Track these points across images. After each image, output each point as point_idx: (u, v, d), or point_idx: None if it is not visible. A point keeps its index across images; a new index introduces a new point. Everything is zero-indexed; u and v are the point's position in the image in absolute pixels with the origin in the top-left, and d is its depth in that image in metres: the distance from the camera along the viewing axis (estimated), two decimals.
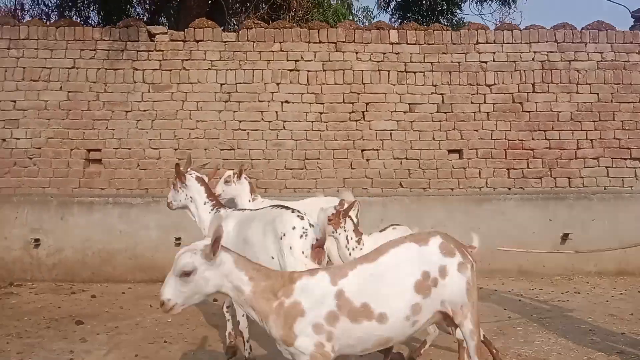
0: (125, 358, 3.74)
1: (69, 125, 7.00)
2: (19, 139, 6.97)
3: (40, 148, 6.96)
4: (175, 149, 7.02)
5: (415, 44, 7.24)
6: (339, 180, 7.02)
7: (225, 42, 7.16)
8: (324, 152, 7.05)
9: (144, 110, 7.04)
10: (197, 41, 7.14)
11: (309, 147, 7.05)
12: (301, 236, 3.10)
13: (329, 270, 2.51)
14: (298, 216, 3.20)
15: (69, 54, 7.08)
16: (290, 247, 3.07)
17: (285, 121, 7.08)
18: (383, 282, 2.40)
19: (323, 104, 7.11)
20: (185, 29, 7.22)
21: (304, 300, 2.35)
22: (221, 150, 7.03)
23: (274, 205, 3.56)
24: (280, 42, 7.18)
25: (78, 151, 6.99)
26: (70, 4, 11.77)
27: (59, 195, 6.78)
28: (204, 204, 3.81)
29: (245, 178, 4.92)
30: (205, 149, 7.02)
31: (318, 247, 3.13)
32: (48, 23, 7.36)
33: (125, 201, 6.60)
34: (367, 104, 7.13)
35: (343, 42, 7.20)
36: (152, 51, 7.12)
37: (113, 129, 7.01)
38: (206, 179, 4.14)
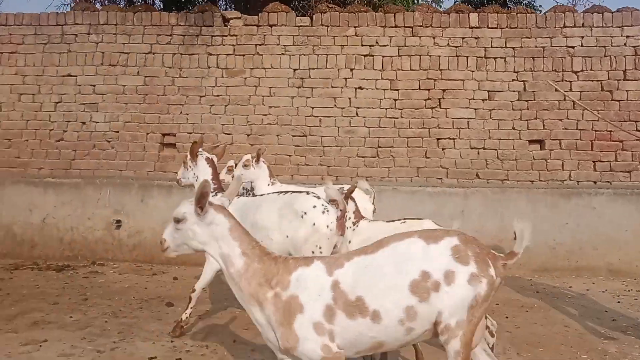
0: (224, 343, 3.74)
1: (145, 110, 7.12)
2: (97, 122, 7.15)
3: (118, 132, 7.12)
4: (248, 135, 7.01)
5: (496, 27, 6.89)
6: (413, 169, 6.82)
7: (299, 26, 7.06)
8: (397, 140, 6.86)
9: (218, 96, 7.06)
10: (271, 26, 7.07)
11: (383, 134, 6.88)
12: (323, 212, 3.27)
13: (324, 259, 2.37)
14: (314, 196, 3.38)
15: (146, 39, 7.17)
16: (314, 224, 3.23)
17: (358, 108, 6.93)
18: (379, 276, 2.21)
19: (398, 90, 6.90)
20: (259, 14, 7.17)
21: (301, 293, 2.24)
22: (293, 136, 6.96)
23: (282, 192, 3.70)
24: (354, 27, 7.01)
25: (154, 135, 7.10)
26: None
27: (139, 178, 6.92)
28: None
29: (263, 162, 4.92)
30: (277, 135, 6.98)
31: (341, 219, 3.30)
32: (126, 8, 7.46)
33: None
34: (443, 90, 6.87)
35: (420, 26, 6.95)
36: (226, 36, 7.11)
37: (187, 114, 7.08)
38: (216, 160, 4.20)
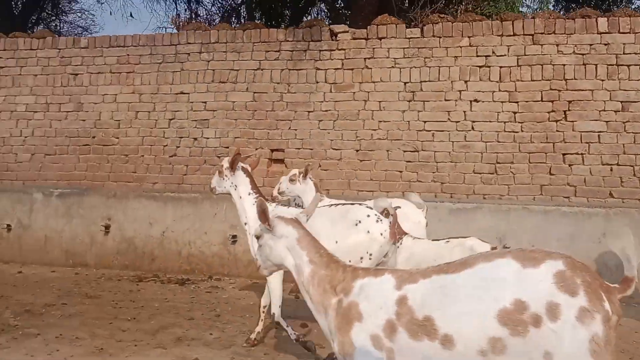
0: None
1: (254, 126, 7.17)
2: (208, 138, 7.28)
3: (227, 147, 7.20)
4: (357, 150, 6.85)
5: (629, 32, 6.30)
6: (535, 187, 6.34)
7: (409, 38, 6.83)
8: (518, 155, 6.41)
9: (326, 111, 6.97)
10: (380, 39, 6.90)
11: (501, 149, 6.46)
12: (377, 221, 3.41)
13: (397, 273, 2.20)
14: (367, 207, 3.55)
15: (254, 56, 7.24)
16: (368, 231, 3.36)
17: (474, 121, 6.56)
18: (456, 298, 1.94)
19: (517, 102, 6.47)
20: (368, 27, 7.02)
21: (362, 301, 2.12)
22: (404, 151, 6.72)
23: (336, 204, 3.83)
24: (469, 37, 6.67)
25: (262, 151, 7.12)
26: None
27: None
28: (249, 194, 3.96)
29: (310, 178, 4.89)
30: (388, 151, 6.76)
31: (392, 228, 3.42)
32: (235, 27, 7.60)
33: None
34: (569, 102, 6.35)
35: (541, 33, 6.49)
36: (334, 50, 7.03)
37: (295, 129, 7.04)
38: (249, 169, 4.26)
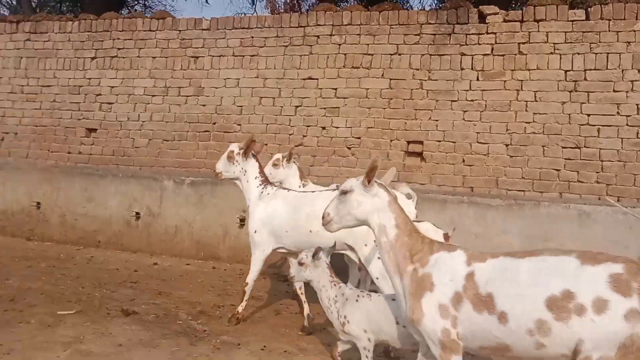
0: None
1: (390, 115, 6.65)
2: (338, 127, 6.83)
3: (359, 138, 6.73)
4: (507, 145, 6.23)
5: None
6: None
7: (572, 21, 6.11)
8: None
9: (472, 100, 6.37)
10: (538, 21, 6.21)
11: None
12: None
13: (469, 251, 2.47)
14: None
15: (392, 39, 6.70)
16: None
17: None
18: (516, 281, 2.21)
19: None
20: (523, 8, 6.35)
21: (436, 274, 2.40)
22: (563, 148, 6.05)
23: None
24: None
25: (398, 142, 6.61)
26: None
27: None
28: (255, 178, 4.05)
29: (294, 162, 4.86)
30: (543, 146, 6.11)
31: None
32: (370, 8, 7.05)
33: (482, 202, 5.75)
34: None
35: None
36: (483, 34, 6.39)
37: (437, 120, 6.48)
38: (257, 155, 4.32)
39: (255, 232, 3.94)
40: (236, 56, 7.33)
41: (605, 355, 1.97)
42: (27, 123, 8.26)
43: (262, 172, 4.16)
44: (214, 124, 7.39)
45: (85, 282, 4.97)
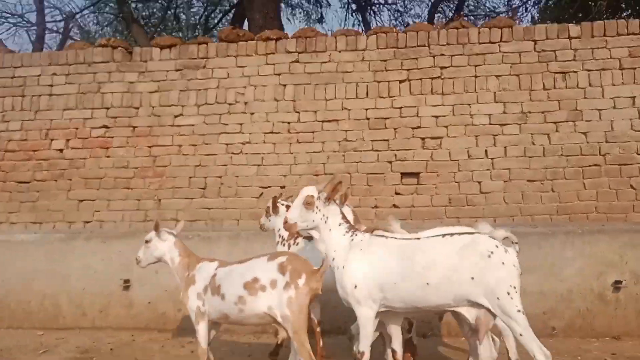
0: None
1: None
2: None
3: None
4: None
5: None
6: None
7: None
8: None
9: None
10: None
11: None
12: (505, 251, 3.13)
13: (222, 261, 3.85)
14: (490, 236, 3.20)
15: None
16: (503, 263, 3.09)
17: None
18: (232, 276, 3.64)
19: None
20: None
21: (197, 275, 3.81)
22: None
23: (446, 234, 3.38)
24: None
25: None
26: None
27: None
28: (339, 225, 3.52)
29: (282, 204, 4.48)
30: None
31: None
32: None
33: None
34: None
35: None
36: None
37: None
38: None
39: (355, 287, 3.30)
40: (624, 69, 5.79)
41: (283, 313, 3.33)
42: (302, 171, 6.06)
43: (344, 216, 3.57)
44: (605, 155, 5.68)
45: None
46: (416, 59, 6.10)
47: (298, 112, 6.20)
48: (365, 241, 3.43)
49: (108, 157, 6.38)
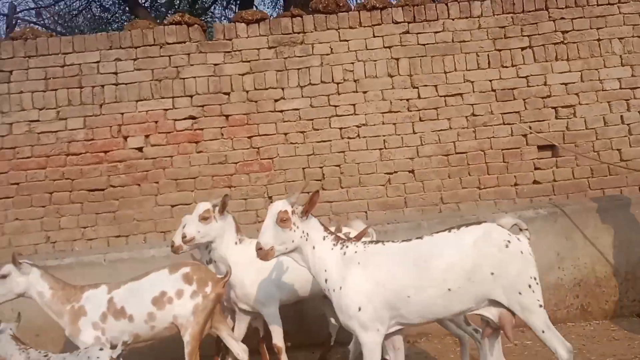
0: None
1: None
2: None
3: None
4: None
5: None
6: None
7: None
8: None
9: None
10: None
11: None
12: (518, 240, 2.90)
13: (109, 284, 3.69)
14: (498, 224, 2.94)
15: None
16: (521, 252, 2.85)
17: None
18: (134, 294, 3.52)
19: None
20: None
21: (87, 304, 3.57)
22: None
23: (452, 228, 3.00)
24: None
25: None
26: None
27: None
28: (323, 239, 3.00)
29: (227, 212, 3.83)
30: None
31: None
32: None
33: None
34: None
35: None
36: None
37: None
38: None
39: (359, 309, 2.80)
40: None
41: (188, 320, 3.37)
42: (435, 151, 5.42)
43: (327, 228, 3.10)
44: None
45: None
46: (536, 24, 5.69)
47: (417, 88, 5.57)
48: (360, 252, 2.93)
49: (200, 152, 5.39)
